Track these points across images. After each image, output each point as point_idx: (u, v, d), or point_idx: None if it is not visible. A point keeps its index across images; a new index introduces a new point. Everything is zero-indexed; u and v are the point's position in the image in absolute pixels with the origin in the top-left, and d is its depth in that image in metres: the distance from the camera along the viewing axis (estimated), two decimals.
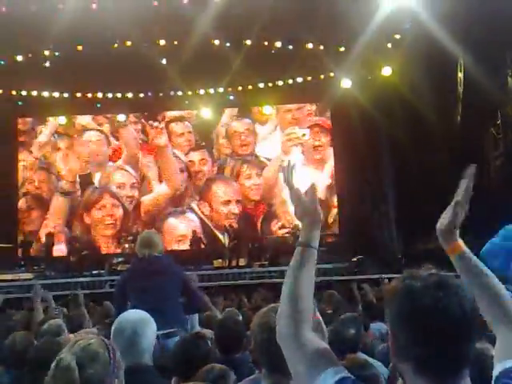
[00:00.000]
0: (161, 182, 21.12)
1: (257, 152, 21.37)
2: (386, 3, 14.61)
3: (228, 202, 20.87)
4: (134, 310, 3.53)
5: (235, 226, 19.39)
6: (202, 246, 18.98)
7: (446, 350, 1.49)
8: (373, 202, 19.01)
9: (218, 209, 20.85)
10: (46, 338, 4.26)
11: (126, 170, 21.27)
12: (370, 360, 3.81)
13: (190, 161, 21.30)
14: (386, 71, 17.53)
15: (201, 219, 20.82)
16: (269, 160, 21.05)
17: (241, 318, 5.58)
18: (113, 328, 3.13)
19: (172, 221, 20.80)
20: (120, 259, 17.77)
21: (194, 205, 21.06)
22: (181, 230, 20.68)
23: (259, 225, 20.75)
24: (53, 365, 2.07)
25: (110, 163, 21.35)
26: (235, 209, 20.82)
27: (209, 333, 4.91)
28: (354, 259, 16.51)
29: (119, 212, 20.87)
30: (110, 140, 21.56)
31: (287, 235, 19.07)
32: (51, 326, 4.56)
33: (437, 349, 1.49)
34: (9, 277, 17.06)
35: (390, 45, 17.00)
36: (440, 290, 1.52)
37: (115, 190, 21.15)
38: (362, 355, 4.15)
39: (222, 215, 20.72)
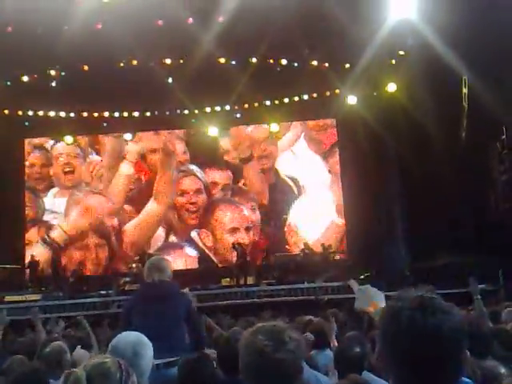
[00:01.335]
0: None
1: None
2: (389, 19, 14.67)
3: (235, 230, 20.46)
4: (130, 332, 3.48)
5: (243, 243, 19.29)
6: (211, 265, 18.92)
7: (421, 370, 1.49)
8: (380, 218, 18.93)
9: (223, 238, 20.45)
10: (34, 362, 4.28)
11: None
12: (377, 379, 3.75)
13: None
14: (391, 87, 17.59)
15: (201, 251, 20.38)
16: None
17: None
18: (110, 349, 3.08)
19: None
20: (127, 279, 17.71)
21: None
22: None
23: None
24: (63, 377, 2.08)
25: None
26: (244, 238, 20.19)
27: (212, 353, 4.87)
28: (362, 277, 16.39)
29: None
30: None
31: (296, 253, 18.98)
32: (53, 348, 4.52)
33: (412, 369, 1.50)
34: (16, 298, 17.02)
35: (394, 61, 17.06)
36: (418, 311, 1.52)
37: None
38: (367, 374, 4.08)
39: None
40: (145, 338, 3.18)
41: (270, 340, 2.08)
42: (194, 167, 21.06)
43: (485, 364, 3.56)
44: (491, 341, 4.25)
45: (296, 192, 20.69)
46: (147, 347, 3.11)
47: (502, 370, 3.41)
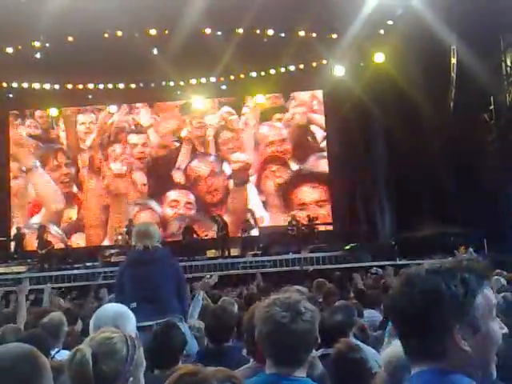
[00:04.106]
0: None
1: None
2: None
3: None
4: (111, 304, 3.53)
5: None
6: (195, 236, 18.88)
7: None
8: (366, 189, 18.98)
9: None
10: (31, 330, 4.26)
11: None
12: (363, 346, 3.81)
13: None
14: (379, 58, 17.46)
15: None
16: None
17: (236, 307, 5.61)
18: (92, 322, 3.08)
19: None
20: (113, 251, 17.72)
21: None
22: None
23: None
24: (70, 355, 2.10)
25: None
26: None
27: (197, 323, 4.91)
28: (347, 247, 16.50)
29: None
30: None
31: (282, 225, 19.03)
32: (52, 318, 4.52)
33: None
34: (1, 270, 17.01)
35: (382, 31, 16.93)
36: None
37: None
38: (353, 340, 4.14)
39: None
40: (125, 310, 3.21)
41: (286, 311, 2.17)
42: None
43: None
44: None
45: None
46: (128, 319, 3.12)
47: None
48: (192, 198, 20.58)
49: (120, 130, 21.14)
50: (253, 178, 20.71)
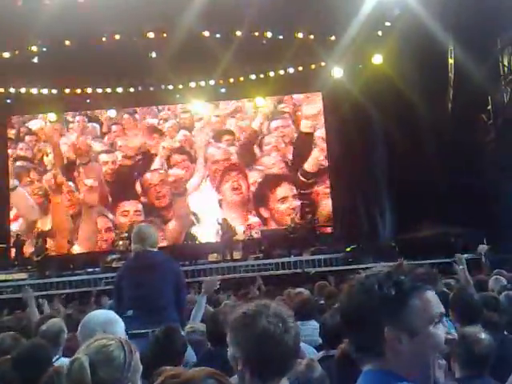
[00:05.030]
0: None
1: None
2: None
3: None
4: (100, 311, 3.56)
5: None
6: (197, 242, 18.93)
7: None
8: (366, 191, 18.96)
9: None
10: (33, 338, 4.27)
11: None
12: None
13: None
14: (377, 59, 17.49)
15: None
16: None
17: None
18: (80, 329, 3.08)
19: None
20: (114, 256, 17.69)
21: None
22: None
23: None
24: (68, 364, 2.11)
25: None
26: None
27: (201, 326, 4.89)
28: (348, 249, 16.49)
29: None
30: None
31: (283, 227, 19.02)
32: (51, 326, 4.50)
33: None
34: (2, 277, 16.97)
35: (380, 33, 16.93)
36: None
37: None
38: None
39: None
40: (114, 316, 3.21)
41: (277, 322, 2.05)
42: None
43: (467, 329, 3.67)
44: (481, 308, 4.37)
45: None
46: (116, 325, 3.12)
47: (483, 336, 3.49)
48: (140, 206, 20.86)
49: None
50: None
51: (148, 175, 21.07)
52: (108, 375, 2.07)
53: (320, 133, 20.91)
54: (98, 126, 21.49)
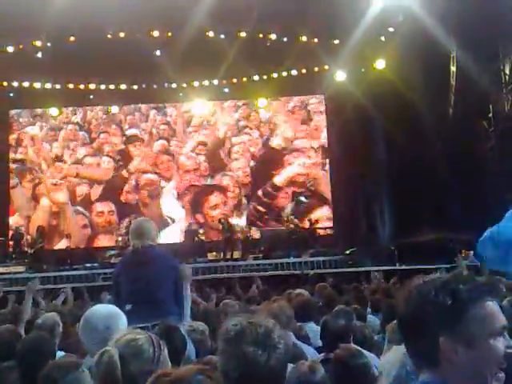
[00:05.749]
0: None
1: None
2: None
3: None
4: (102, 305, 3.53)
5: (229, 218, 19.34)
6: (196, 239, 18.94)
7: None
8: (366, 195, 19.02)
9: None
10: (35, 331, 4.27)
11: None
12: (365, 352, 3.82)
13: None
14: (380, 64, 17.55)
15: None
16: None
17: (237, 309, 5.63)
18: (82, 324, 3.12)
19: None
20: (113, 252, 17.72)
21: None
22: None
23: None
24: (97, 355, 2.12)
25: None
26: None
27: (200, 325, 4.92)
28: (348, 252, 16.54)
29: None
30: None
31: (283, 228, 19.07)
32: (47, 319, 4.52)
33: None
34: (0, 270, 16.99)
35: (383, 38, 17.00)
36: None
37: None
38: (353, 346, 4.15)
39: None
40: (116, 311, 3.24)
41: (261, 347, 1.90)
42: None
43: None
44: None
45: None
46: (119, 319, 3.15)
47: None
48: (113, 206, 21.00)
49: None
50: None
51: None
52: (137, 368, 2.09)
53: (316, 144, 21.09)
54: (86, 134, 21.62)
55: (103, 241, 20.67)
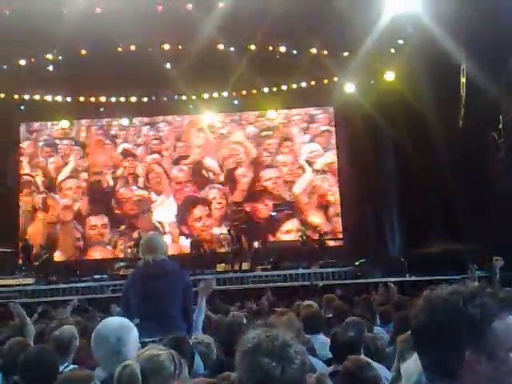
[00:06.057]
0: None
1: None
2: (390, 8, 14.64)
3: None
4: (113, 318, 3.53)
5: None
6: (202, 251, 18.95)
7: None
8: (376, 206, 19.00)
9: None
10: (37, 345, 4.29)
11: None
12: (374, 363, 3.80)
13: None
14: (389, 76, 17.56)
15: None
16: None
17: (245, 321, 5.60)
18: (94, 335, 3.12)
19: None
20: (122, 264, 17.74)
21: None
22: None
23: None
24: (119, 369, 2.13)
25: None
26: None
27: (206, 338, 4.88)
28: (357, 263, 16.49)
29: None
30: None
31: (292, 239, 19.04)
32: (64, 332, 4.52)
33: None
34: (9, 282, 17.01)
35: (393, 50, 17.03)
36: None
37: None
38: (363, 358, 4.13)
39: None
40: (128, 323, 3.24)
41: (276, 360, 1.86)
42: None
43: None
44: None
45: None
46: (130, 331, 3.15)
47: None
48: (106, 219, 21.13)
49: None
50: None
51: (121, 190, 21.49)
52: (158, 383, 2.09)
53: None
54: (81, 149, 21.70)
55: (95, 253, 20.83)
